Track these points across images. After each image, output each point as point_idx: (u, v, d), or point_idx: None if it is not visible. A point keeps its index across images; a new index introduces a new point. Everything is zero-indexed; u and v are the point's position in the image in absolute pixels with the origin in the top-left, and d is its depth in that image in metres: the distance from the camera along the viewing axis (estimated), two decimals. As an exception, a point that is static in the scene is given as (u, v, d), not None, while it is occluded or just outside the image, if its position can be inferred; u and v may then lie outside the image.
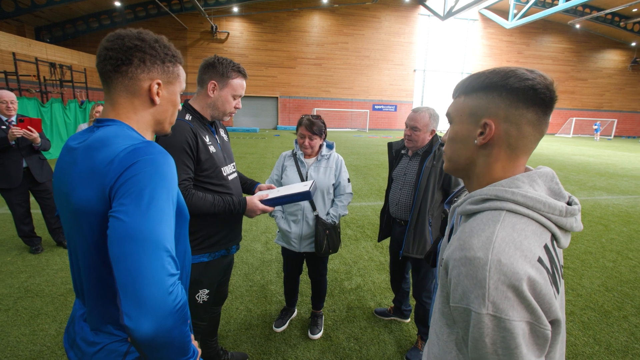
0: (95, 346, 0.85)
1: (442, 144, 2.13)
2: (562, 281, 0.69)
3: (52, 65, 12.12)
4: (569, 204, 0.72)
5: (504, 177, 0.73)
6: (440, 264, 0.75)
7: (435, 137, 2.15)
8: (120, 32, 0.88)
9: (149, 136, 0.95)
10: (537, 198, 0.66)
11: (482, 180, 0.76)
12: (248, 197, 1.64)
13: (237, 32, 22.66)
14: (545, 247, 0.64)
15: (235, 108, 1.68)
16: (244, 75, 1.66)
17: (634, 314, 2.84)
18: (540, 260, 0.62)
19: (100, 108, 4.01)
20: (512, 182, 0.69)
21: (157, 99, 0.90)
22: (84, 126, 4.06)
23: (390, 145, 2.39)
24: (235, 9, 21.69)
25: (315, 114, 2.27)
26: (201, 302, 1.69)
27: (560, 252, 0.70)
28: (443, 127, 22.43)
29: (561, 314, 0.64)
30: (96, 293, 0.85)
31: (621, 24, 23.66)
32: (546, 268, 0.62)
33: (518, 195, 0.67)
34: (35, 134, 3.35)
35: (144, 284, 0.69)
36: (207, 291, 1.69)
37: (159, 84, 0.90)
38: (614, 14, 22.68)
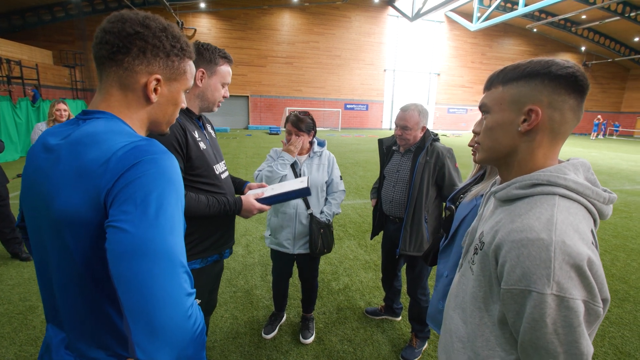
0: None
1: (434, 140, 2.11)
2: None
3: (-2, 59, 11.08)
4: None
5: (545, 164, 0.76)
6: (481, 248, 0.76)
7: (427, 133, 2.12)
8: (124, 13, 0.74)
9: (143, 135, 0.82)
10: (586, 185, 0.70)
11: (525, 167, 0.77)
12: (243, 197, 1.51)
13: (204, 28, 21.94)
14: (592, 231, 0.69)
15: (224, 97, 1.55)
16: (230, 60, 1.54)
17: (607, 300, 2.98)
18: (592, 243, 0.66)
19: (62, 106, 3.64)
20: (560, 169, 0.72)
21: (153, 96, 0.77)
22: (42, 126, 3.69)
23: (380, 141, 2.34)
24: (203, 5, 20.97)
25: (307, 113, 2.17)
26: None
27: None
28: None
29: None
30: (82, 317, 0.71)
31: (572, 29, 25.34)
32: (596, 249, 0.67)
33: (570, 181, 0.70)
34: None
35: (160, 307, 0.57)
36: (198, 301, 1.54)
37: (158, 80, 0.77)
38: (566, 19, 24.23)
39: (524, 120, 0.74)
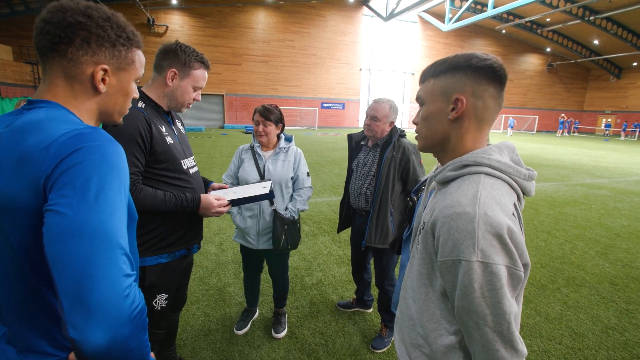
0: None
1: (401, 136, 2.17)
2: (524, 235, 0.81)
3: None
4: None
5: (474, 148, 0.84)
6: (423, 228, 0.84)
7: (394, 129, 2.18)
8: (64, 3, 0.73)
9: (92, 124, 0.81)
10: (508, 163, 0.79)
11: (457, 152, 0.85)
12: (203, 195, 1.51)
13: (176, 25, 21.39)
14: (514, 204, 0.76)
15: (194, 100, 1.55)
16: (207, 66, 1.55)
17: (564, 285, 3.17)
18: (513, 214, 0.73)
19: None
20: (486, 151, 0.81)
21: (101, 87, 0.77)
22: None
23: (350, 136, 2.39)
24: (174, 1, 20.44)
25: (275, 105, 2.18)
26: (159, 308, 1.53)
27: None
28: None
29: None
30: (22, 306, 0.70)
31: (538, 31, 26.53)
32: (517, 220, 0.74)
33: (493, 160, 0.78)
34: None
35: (94, 286, 0.57)
36: (165, 296, 1.53)
37: (105, 70, 0.76)
38: (532, 22, 25.33)
39: (453, 109, 0.82)
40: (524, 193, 0.82)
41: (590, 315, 2.71)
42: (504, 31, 27.53)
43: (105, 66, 0.76)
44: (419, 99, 0.90)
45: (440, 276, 0.77)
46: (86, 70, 0.75)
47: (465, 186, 0.75)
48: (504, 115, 29.76)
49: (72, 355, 0.72)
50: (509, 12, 24.12)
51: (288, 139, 2.24)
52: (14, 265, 0.67)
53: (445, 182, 0.83)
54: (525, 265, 0.72)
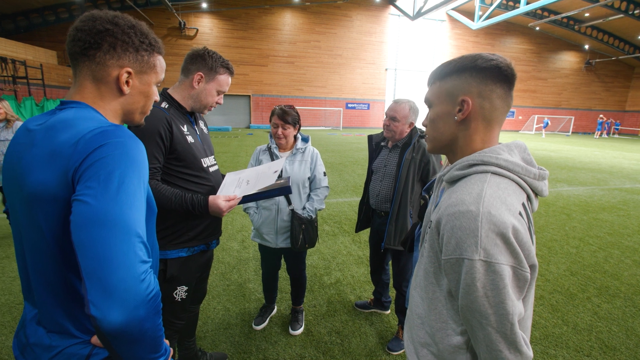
0: (51, 350, 0.77)
1: (421, 136, 2.15)
2: (534, 236, 0.78)
3: (4, 60, 11.22)
4: None
5: (483, 147, 0.83)
6: (429, 226, 0.84)
7: (414, 130, 2.16)
8: (94, 12, 0.81)
9: (116, 123, 0.88)
10: (516, 162, 0.78)
11: (465, 152, 0.85)
12: (211, 198, 1.47)
13: (206, 28, 22.05)
14: (523, 204, 0.75)
15: (217, 103, 1.63)
16: (231, 72, 1.63)
17: (596, 295, 3.01)
18: (520, 214, 0.72)
19: (6, 103, 3.52)
20: (494, 150, 0.80)
21: (125, 88, 0.84)
22: None
23: (370, 137, 2.39)
24: (204, 5, 21.07)
25: (292, 106, 2.21)
26: (179, 299, 1.61)
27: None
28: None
29: (536, 260, 0.73)
30: (52, 290, 0.77)
31: (575, 27, 25.19)
32: (524, 220, 0.72)
33: (501, 159, 0.77)
34: None
35: (113, 269, 0.62)
36: (185, 288, 1.61)
37: (129, 73, 0.83)
38: (569, 17, 24.12)
39: (459, 110, 0.82)
40: (536, 193, 0.80)
41: (623, 328, 2.56)
42: (537, 28, 26.35)
43: (129, 69, 0.83)
44: (426, 102, 0.91)
45: (445, 275, 0.77)
46: (112, 72, 0.82)
47: (470, 185, 0.75)
48: (536, 116, 28.50)
49: (94, 339, 0.78)
50: (543, 8, 23.09)
51: (305, 140, 2.27)
52: (46, 251, 0.74)
53: (453, 181, 0.83)
54: (532, 267, 0.71)
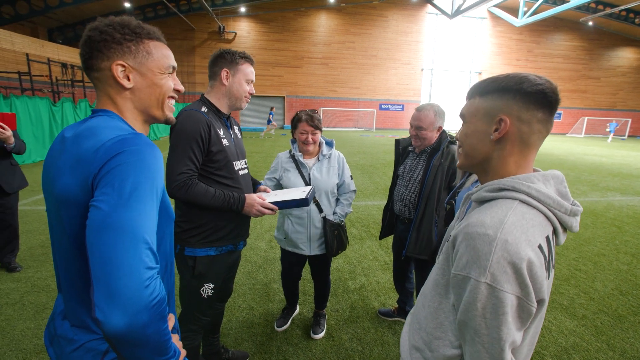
0: (73, 344, 0.82)
1: (451, 142, 2.07)
2: (553, 270, 0.77)
3: (64, 65, 12.26)
4: None
5: (517, 171, 0.81)
6: (447, 240, 0.83)
7: (443, 134, 2.08)
8: (86, 28, 0.86)
9: (140, 126, 0.92)
10: (548, 194, 0.75)
11: (498, 174, 0.83)
12: (247, 194, 1.63)
13: (244, 31, 22.71)
14: (547, 238, 0.73)
15: (250, 94, 1.70)
16: (251, 61, 1.70)
17: (649, 317, 2.73)
18: (540, 247, 0.70)
19: None
20: (528, 178, 0.77)
21: (126, 82, 0.86)
22: None
23: (397, 141, 2.34)
24: (243, 9, 21.73)
25: (315, 110, 2.20)
26: (206, 296, 1.68)
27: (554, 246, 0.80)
28: (453, 126, 22.11)
29: (547, 295, 0.73)
30: (75, 287, 0.82)
31: (636, 20, 23.08)
32: (544, 255, 0.71)
33: (533, 189, 0.75)
34: (9, 132, 2.72)
35: (119, 275, 0.65)
36: (212, 285, 1.68)
37: (123, 66, 0.85)
38: (628, 10, 22.15)
39: (496, 129, 0.80)
40: (565, 228, 0.78)
41: (679, 356, 2.30)
42: (590, 23, 24.43)
43: (120, 62, 0.85)
44: (462, 117, 0.89)
45: (451, 288, 0.78)
46: (107, 72, 0.85)
47: (495, 209, 0.74)
48: (586, 118, 26.44)
49: None
50: (598, 1, 21.40)
51: (329, 144, 2.25)
52: (70, 250, 0.80)
53: (482, 202, 0.83)
54: (540, 301, 0.71)
